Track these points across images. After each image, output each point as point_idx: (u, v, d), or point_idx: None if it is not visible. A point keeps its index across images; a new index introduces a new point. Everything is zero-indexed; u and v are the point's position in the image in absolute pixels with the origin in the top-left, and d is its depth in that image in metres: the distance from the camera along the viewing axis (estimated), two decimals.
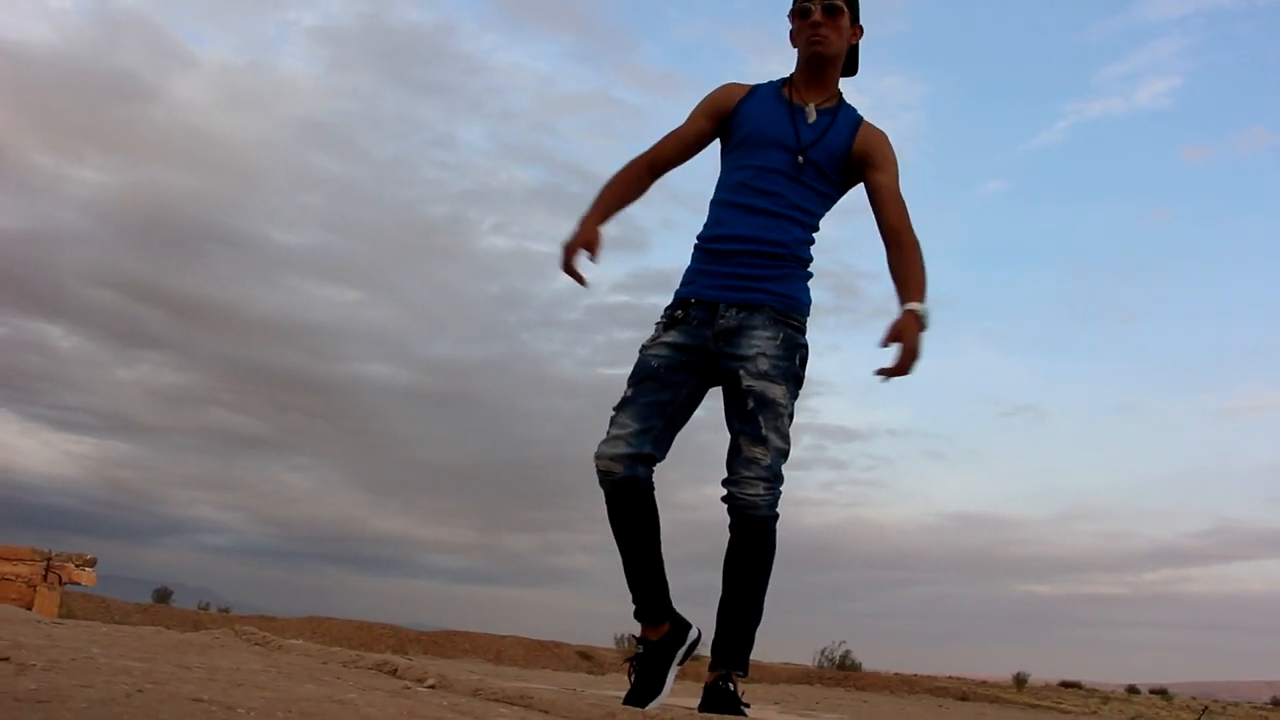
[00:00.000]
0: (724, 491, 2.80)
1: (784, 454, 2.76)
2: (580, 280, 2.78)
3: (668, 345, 2.83)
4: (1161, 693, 64.92)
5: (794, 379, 2.79)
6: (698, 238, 2.95)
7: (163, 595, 59.83)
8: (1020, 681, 57.32)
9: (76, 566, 8.73)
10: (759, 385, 2.73)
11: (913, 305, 2.68)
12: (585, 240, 2.77)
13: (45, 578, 8.58)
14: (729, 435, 2.81)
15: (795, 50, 2.96)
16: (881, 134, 2.92)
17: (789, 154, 2.83)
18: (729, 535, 2.81)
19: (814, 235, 2.91)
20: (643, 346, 2.88)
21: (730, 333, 2.78)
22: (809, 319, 2.87)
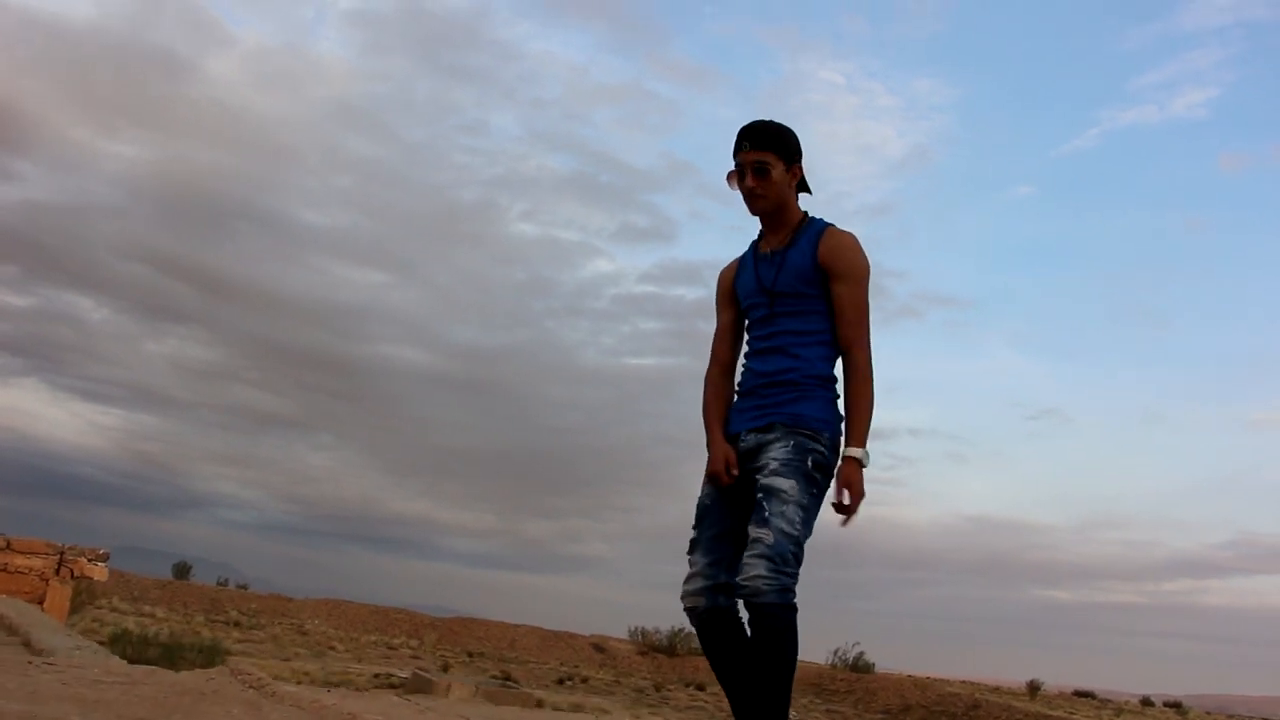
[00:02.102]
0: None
1: (791, 538, 2.78)
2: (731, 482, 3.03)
3: (710, 479, 3.08)
4: (1176, 706, 64.59)
5: (805, 476, 2.90)
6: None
7: (182, 570, 60.46)
8: (1034, 689, 57.10)
9: (89, 561, 8.76)
10: (767, 480, 2.88)
11: (852, 452, 2.93)
12: (723, 457, 3.05)
13: (58, 571, 8.61)
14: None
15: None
16: (846, 239, 3.11)
17: (765, 299, 3.10)
18: (750, 629, 2.82)
19: (827, 348, 3.10)
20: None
21: (751, 453, 3.00)
22: (832, 432, 3.03)
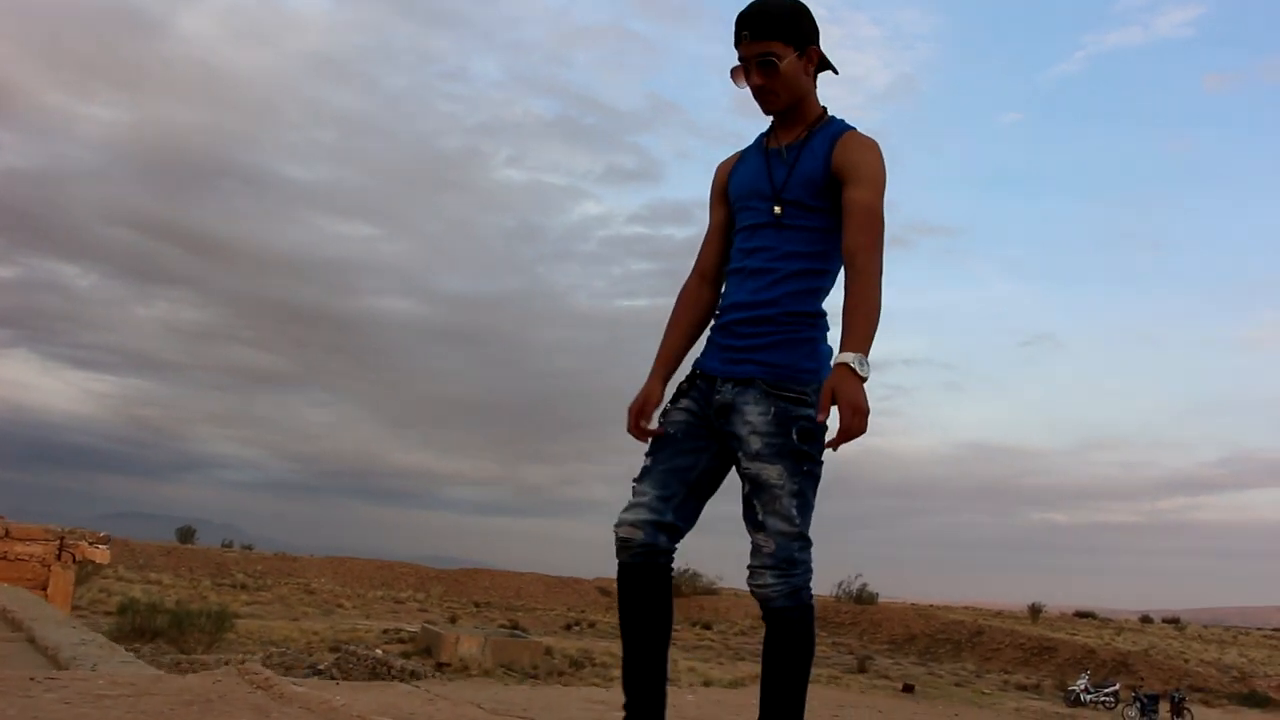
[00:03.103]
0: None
1: (792, 535, 2.52)
2: (644, 439, 2.71)
3: (682, 410, 2.70)
4: (1175, 621, 65.63)
5: (791, 454, 2.53)
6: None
7: (186, 534, 60.94)
8: (1035, 612, 57.97)
9: (90, 544, 8.72)
10: (753, 468, 2.54)
11: (844, 358, 2.42)
12: (642, 402, 2.74)
13: (59, 557, 8.57)
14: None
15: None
16: (865, 143, 2.66)
17: (766, 202, 2.67)
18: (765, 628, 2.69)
19: (822, 279, 2.69)
20: (660, 416, 2.75)
21: (725, 409, 2.62)
22: (821, 382, 2.55)
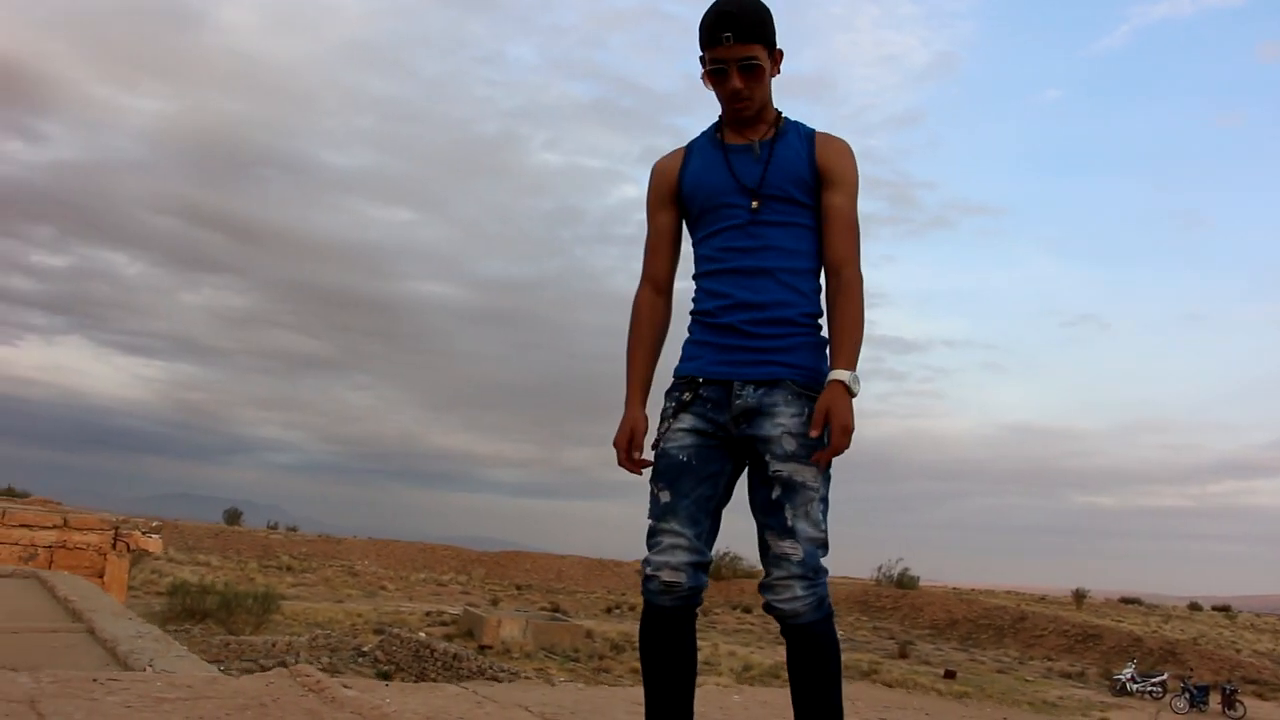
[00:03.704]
0: (764, 598, 2.52)
1: (819, 543, 2.46)
2: (638, 471, 2.57)
3: (687, 432, 2.55)
4: (1225, 609, 64.59)
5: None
6: (693, 312, 2.67)
7: (233, 516, 61.91)
8: (1079, 597, 57.38)
9: (143, 534, 8.89)
10: (786, 470, 2.45)
11: (840, 375, 2.41)
12: (629, 433, 2.58)
13: (114, 546, 8.76)
14: (755, 527, 2.54)
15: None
16: (844, 147, 2.61)
17: (745, 199, 2.55)
18: (786, 642, 2.61)
19: (817, 279, 2.62)
20: (657, 439, 2.60)
21: (750, 413, 2.50)
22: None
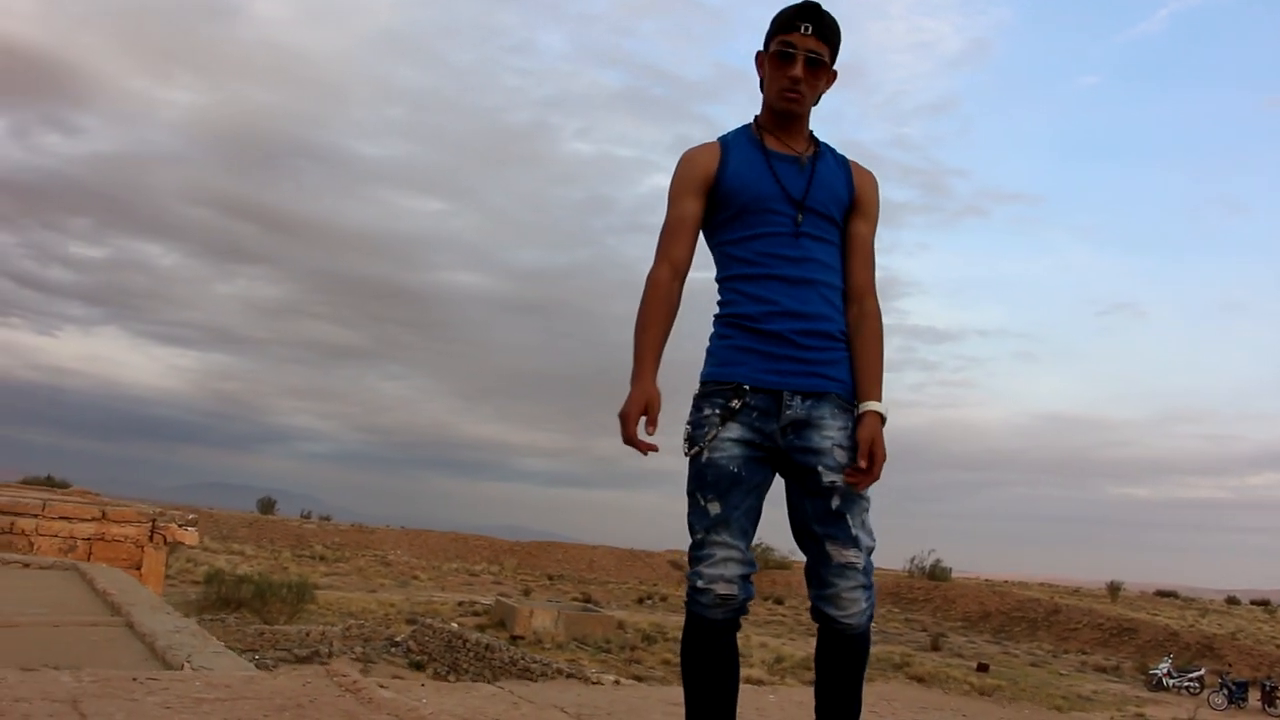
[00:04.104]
0: (815, 606, 2.55)
1: (871, 550, 2.53)
2: (644, 450, 2.49)
3: (736, 442, 2.52)
4: (1264, 604, 63.78)
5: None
6: (730, 314, 2.63)
7: (267, 506, 62.54)
8: (1114, 590, 56.91)
9: (179, 526, 8.98)
10: (842, 480, 2.48)
11: (876, 406, 2.52)
12: (643, 406, 2.49)
13: (151, 538, 8.85)
14: (803, 539, 2.56)
15: (761, 88, 2.69)
16: (874, 178, 2.71)
17: (790, 210, 2.57)
18: (819, 642, 2.59)
19: (843, 298, 2.66)
20: (697, 439, 2.56)
21: (799, 424, 2.51)
22: None
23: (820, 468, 2.48)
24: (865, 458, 2.45)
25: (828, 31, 2.57)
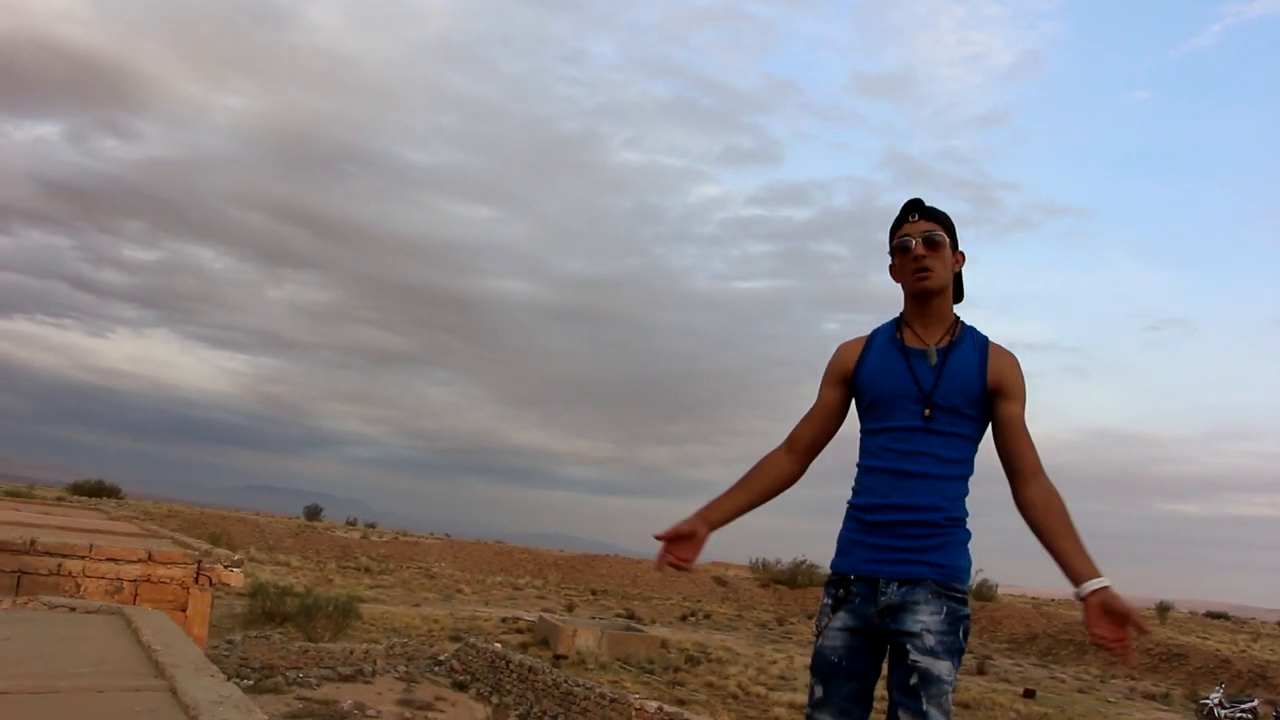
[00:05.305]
0: None
1: None
2: (657, 563, 2.80)
3: (839, 631, 2.83)
4: None
5: (958, 653, 2.77)
6: (850, 504, 2.91)
7: (313, 513, 63.07)
8: (1163, 611, 55.88)
9: (225, 567, 9.06)
10: (924, 661, 2.70)
11: (1103, 582, 2.62)
12: (679, 530, 2.81)
13: (196, 580, 8.93)
14: (890, 702, 2.79)
15: (900, 286, 2.96)
16: (1012, 358, 2.85)
17: (918, 405, 2.79)
18: None
19: (968, 483, 2.86)
20: (816, 628, 2.89)
21: (894, 609, 2.76)
22: (968, 581, 2.86)
23: (909, 646, 2.74)
24: (1122, 627, 2.56)
25: (936, 213, 2.86)
